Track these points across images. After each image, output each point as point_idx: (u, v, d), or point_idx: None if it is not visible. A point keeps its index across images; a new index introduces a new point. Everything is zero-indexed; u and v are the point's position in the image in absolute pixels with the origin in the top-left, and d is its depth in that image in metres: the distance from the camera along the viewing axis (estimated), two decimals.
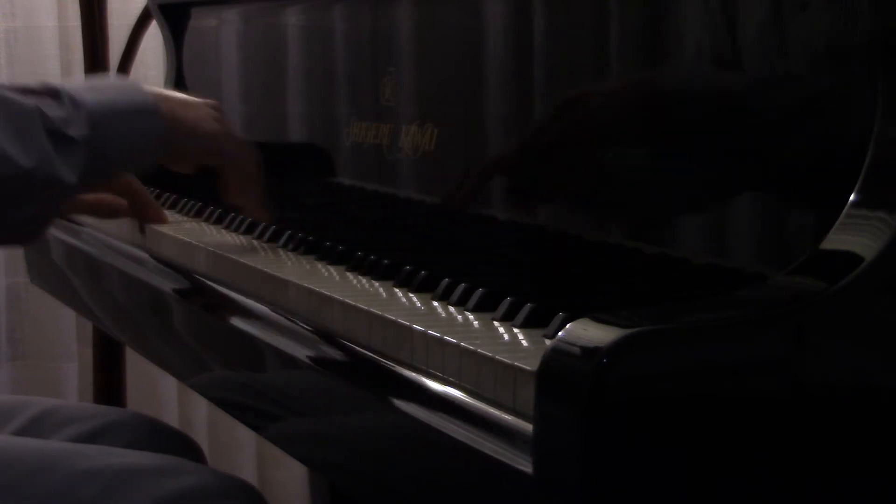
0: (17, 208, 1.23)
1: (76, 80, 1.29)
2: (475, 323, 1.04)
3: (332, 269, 1.30)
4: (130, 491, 1.24)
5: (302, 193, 1.69)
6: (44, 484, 1.24)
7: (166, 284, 1.46)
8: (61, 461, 1.27)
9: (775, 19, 1.00)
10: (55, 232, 1.75)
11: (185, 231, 1.55)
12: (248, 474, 2.63)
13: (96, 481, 1.25)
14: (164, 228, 1.54)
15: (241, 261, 1.35)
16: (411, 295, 1.15)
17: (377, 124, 1.49)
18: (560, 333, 0.80)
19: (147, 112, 1.29)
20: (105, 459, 1.29)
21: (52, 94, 1.23)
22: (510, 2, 1.31)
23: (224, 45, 1.90)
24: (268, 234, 1.46)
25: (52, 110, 1.22)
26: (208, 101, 1.39)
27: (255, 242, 1.46)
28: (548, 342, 0.91)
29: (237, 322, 1.29)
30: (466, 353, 0.95)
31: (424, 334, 1.00)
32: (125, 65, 2.20)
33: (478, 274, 1.15)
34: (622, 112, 1.17)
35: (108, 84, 1.31)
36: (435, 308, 1.10)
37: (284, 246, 1.42)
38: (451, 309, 1.09)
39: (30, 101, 1.22)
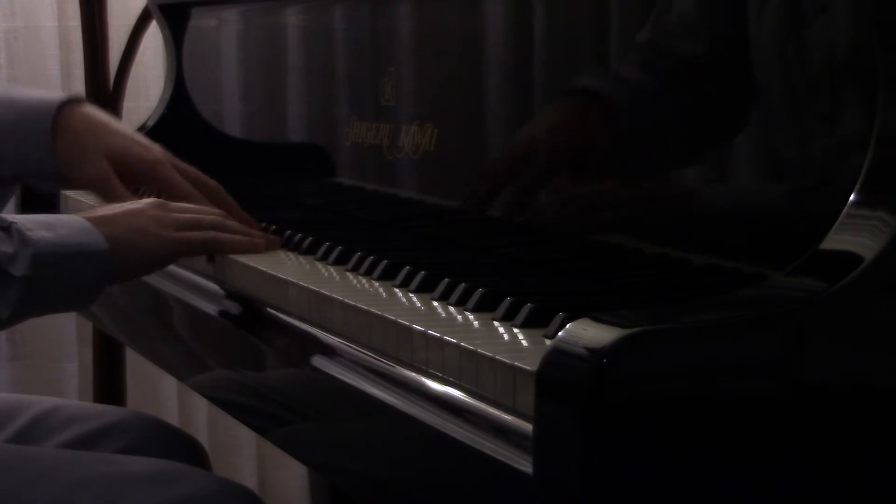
0: None
1: (29, 215, 1.29)
2: (475, 323, 1.04)
3: (332, 269, 1.30)
4: (129, 498, 1.24)
5: (302, 193, 1.69)
6: (43, 491, 1.24)
7: (165, 284, 1.46)
8: (60, 468, 1.27)
9: (776, 21, 1.00)
10: None
11: None
12: (248, 474, 2.63)
13: (94, 489, 1.24)
14: None
15: (241, 260, 1.35)
16: (411, 295, 1.15)
17: (377, 124, 1.49)
18: (560, 333, 0.80)
19: (94, 254, 1.27)
20: (103, 466, 1.29)
21: (4, 227, 1.23)
22: (510, 2, 1.31)
23: (224, 45, 1.90)
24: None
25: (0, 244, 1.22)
26: (152, 202, 1.35)
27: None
28: (548, 342, 0.91)
29: (237, 322, 1.29)
30: (466, 353, 0.95)
31: (424, 334, 1.00)
32: (125, 65, 2.20)
33: (478, 274, 1.15)
34: (623, 111, 1.17)
35: (59, 220, 1.29)
36: (435, 308, 1.10)
37: (285, 246, 1.42)
38: (451, 309, 1.09)
39: None
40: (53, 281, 1.25)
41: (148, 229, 1.32)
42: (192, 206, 1.40)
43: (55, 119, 1.48)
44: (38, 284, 1.23)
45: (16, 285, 1.22)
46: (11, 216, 1.26)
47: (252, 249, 1.38)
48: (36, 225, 1.26)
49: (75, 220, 1.30)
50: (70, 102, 1.50)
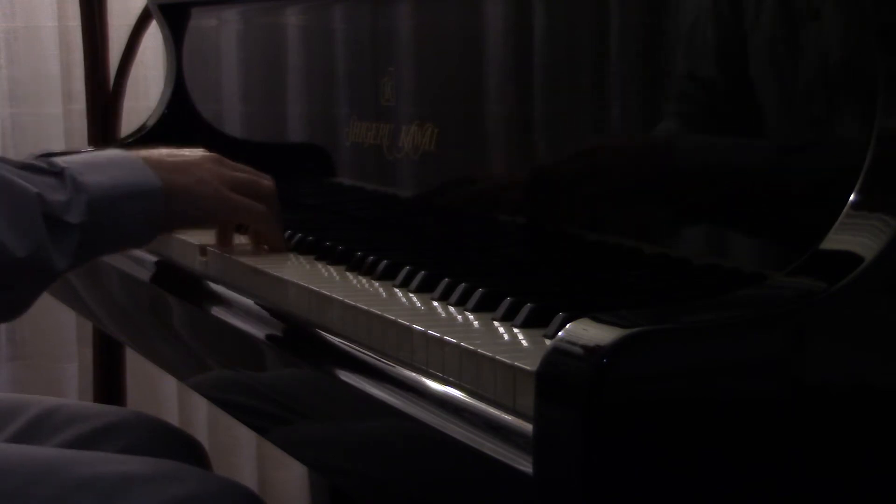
0: (1, 292, 1.22)
1: (79, 155, 1.28)
2: (475, 323, 1.04)
3: (332, 269, 1.30)
4: (129, 498, 1.24)
5: (302, 193, 1.69)
6: (43, 491, 1.24)
7: (165, 284, 1.46)
8: (60, 468, 1.27)
9: (777, 21, 1.00)
10: None
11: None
12: (248, 474, 2.63)
13: (95, 488, 1.25)
14: None
15: (241, 260, 1.35)
16: (411, 295, 1.15)
17: (377, 124, 1.49)
18: (560, 333, 0.80)
19: (148, 194, 1.27)
20: (104, 466, 1.28)
21: (57, 173, 1.23)
22: (510, 2, 1.31)
23: (224, 45, 1.90)
24: None
25: (54, 193, 1.21)
26: (211, 156, 1.35)
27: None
28: (548, 342, 0.91)
29: (237, 322, 1.29)
30: (466, 353, 0.95)
31: (424, 334, 1.00)
32: (125, 65, 2.20)
33: (478, 274, 1.15)
34: (622, 112, 1.17)
35: (111, 160, 1.28)
36: (435, 308, 1.10)
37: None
38: (451, 309, 1.09)
39: (33, 184, 1.21)
40: (108, 225, 1.24)
41: (207, 180, 1.31)
42: (247, 168, 1.39)
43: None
44: (94, 229, 1.23)
45: (72, 233, 1.22)
46: (62, 159, 1.26)
47: (280, 244, 1.38)
48: (88, 168, 1.25)
49: (129, 158, 1.29)
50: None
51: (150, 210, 1.28)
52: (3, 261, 1.19)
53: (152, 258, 1.52)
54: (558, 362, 0.79)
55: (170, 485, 1.26)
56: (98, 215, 1.24)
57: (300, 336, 1.17)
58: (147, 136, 1.97)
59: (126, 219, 1.26)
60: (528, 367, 0.87)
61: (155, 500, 1.24)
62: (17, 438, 1.44)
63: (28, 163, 1.25)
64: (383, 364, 1.04)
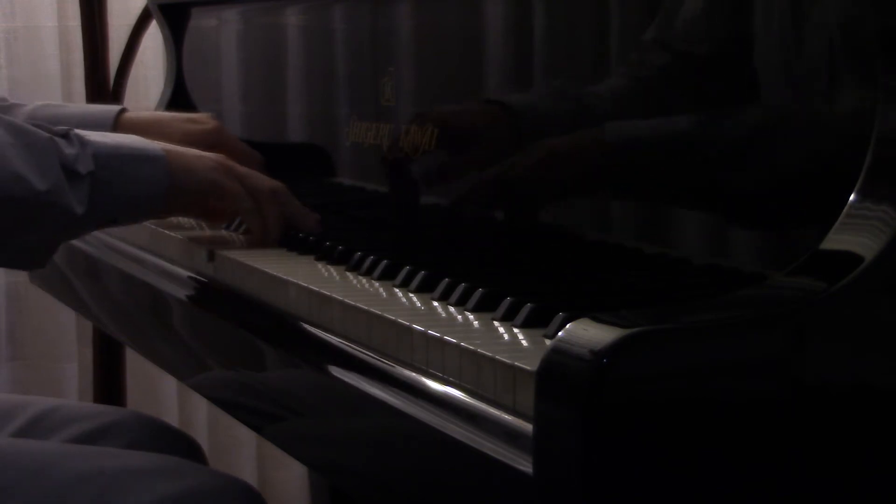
0: (26, 232, 1.28)
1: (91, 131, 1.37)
2: (475, 323, 1.04)
3: (332, 269, 1.30)
4: (129, 493, 1.24)
5: (302, 193, 1.69)
6: (42, 486, 1.24)
7: (165, 283, 1.46)
8: (59, 463, 1.27)
9: (776, 19, 1.00)
10: None
11: (183, 230, 1.55)
12: (248, 474, 2.63)
13: (95, 483, 1.25)
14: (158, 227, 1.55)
15: (242, 260, 1.35)
16: (411, 295, 1.15)
17: (377, 124, 1.49)
18: (560, 333, 0.80)
19: (151, 158, 1.34)
20: (103, 461, 1.29)
21: (62, 133, 1.30)
22: (510, 2, 1.31)
23: (224, 45, 1.90)
24: None
25: (63, 147, 1.29)
26: (217, 155, 1.42)
27: None
28: (548, 342, 0.91)
29: (237, 322, 1.29)
30: (466, 353, 0.95)
31: (424, 334, 1.00)
32: (125, 65, 2.20)
33: (478, 274, 1.15)
34: (622, 111, 1.17)
35: (120, 135, 1.37)
36: (435, 308, 1.10)
37: (284, 246, 1.42)
38: (451, 309, 1.09)
39: (44, 133, 1.28)
40: (116, 178, 1.30)
41: (206, 159, 1.38)
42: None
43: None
44: (102, 184, 1.29)
45: (84, 182, 1.28)
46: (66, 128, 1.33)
47: (262, 239, 1.41)
48: (91, 131, 1.33)
49: (132, 135, 1.37)
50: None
51: (154, 175, 1.33)
52: (27, 195, 1.24)
53: (152, 258, 1.52)
54: (558, 362, 0.79)
55: (169, 480, 1.26)
56: (104, 170, 1.30)
57: (299, 336, 1.17)
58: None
59: (131, 178, 1.32)
60: (528, 367, 0.87)
61: (154, 495, 1.24)
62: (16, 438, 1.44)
63: (35, 123, 1.31)
64: (383, 364, 1.04)
